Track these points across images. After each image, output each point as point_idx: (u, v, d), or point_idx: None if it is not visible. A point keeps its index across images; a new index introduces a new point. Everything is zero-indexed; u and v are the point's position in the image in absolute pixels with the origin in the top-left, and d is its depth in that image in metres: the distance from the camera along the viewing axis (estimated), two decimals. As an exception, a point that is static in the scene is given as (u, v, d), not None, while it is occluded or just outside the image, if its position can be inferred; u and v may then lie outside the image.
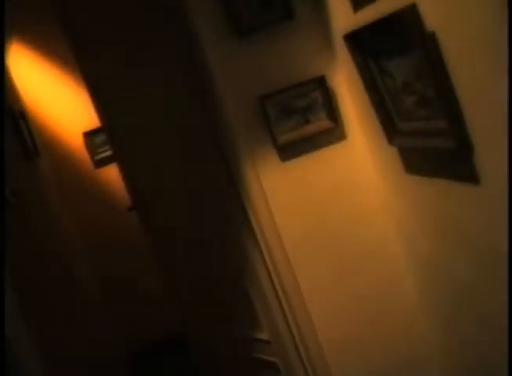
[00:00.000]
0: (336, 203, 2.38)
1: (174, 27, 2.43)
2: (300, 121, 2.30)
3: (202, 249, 2.97)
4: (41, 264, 2.90)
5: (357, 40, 1.93)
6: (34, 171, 3.65)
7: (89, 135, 4.29)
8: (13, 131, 3.36)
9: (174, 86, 2.65)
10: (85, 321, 3.40)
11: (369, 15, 1.81)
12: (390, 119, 1.97)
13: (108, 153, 4.13)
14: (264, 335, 2.72)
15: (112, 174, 4.26)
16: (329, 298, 2.43)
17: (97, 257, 4.30)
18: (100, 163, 4.33)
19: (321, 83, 2.28)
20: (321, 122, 2.31)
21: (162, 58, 2.62)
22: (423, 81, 1.68)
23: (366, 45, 1.91)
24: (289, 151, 2.33)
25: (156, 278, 4.05)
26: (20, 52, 4.19)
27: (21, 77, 4.16)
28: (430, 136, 1.76)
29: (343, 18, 2.06)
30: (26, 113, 3.92)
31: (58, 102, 4.29)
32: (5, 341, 2.07)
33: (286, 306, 2.46)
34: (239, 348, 2.99)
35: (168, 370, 4.09)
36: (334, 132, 2.34)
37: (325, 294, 2.42)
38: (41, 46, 4.21)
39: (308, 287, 2.41)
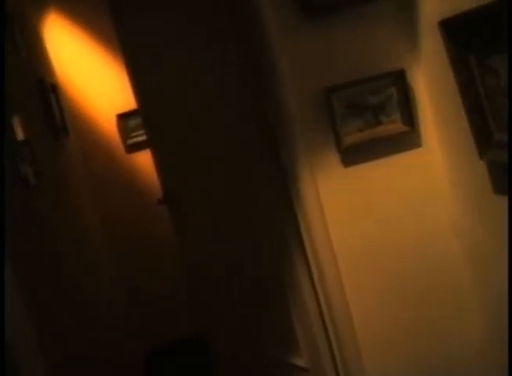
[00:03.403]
0: (402, 218, 2.07)
1: (230, 2, 2.12)
2: (370, 121, 1.98)
3: (237, 256, 2.66)
4: (55, 260, 2.60)
5: (456, 28, 1.59)
6: (61, 150, 3.37)
7: (123, 118, 4.03)
8: (41, 105, 3.08)
9: (223, 69, 2.35)
10: (98, 321, 3.13)
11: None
12: (486, 127, 1.63)
13: (142, 138, 3.87)
14: (301, 362, 2.40)
15: (144, 161, 3.99)
16: (382, 324, 2.12)
17: (119, 254, 4.03)
18: (133, 148, 4.07)
19: (399, 78, 1.95)
20: (394, 124, 1.98)
21: (213, 36, 2.32)
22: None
23: (468, 34, 1.57)
24: (353, 155, 2.02)
25: (175, 279, 4.01)
26: (57, 23, 3.92)
27: (56, 49, 3.89)
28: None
29: (437, 1, 1.72)
30: (57, 87, 3.64)
31: (93, 79, 4.02)
32: (5, 340, 1.82)
33: (331, 332, 2.15)
34: (268, 369, 2.68)
35: (181, 372, 3.90)
36: (408, 138, 2.01)
37: (378, 321, 2.12)
38: (80, 17, 3.94)
39: (360, 311, 2.10)
